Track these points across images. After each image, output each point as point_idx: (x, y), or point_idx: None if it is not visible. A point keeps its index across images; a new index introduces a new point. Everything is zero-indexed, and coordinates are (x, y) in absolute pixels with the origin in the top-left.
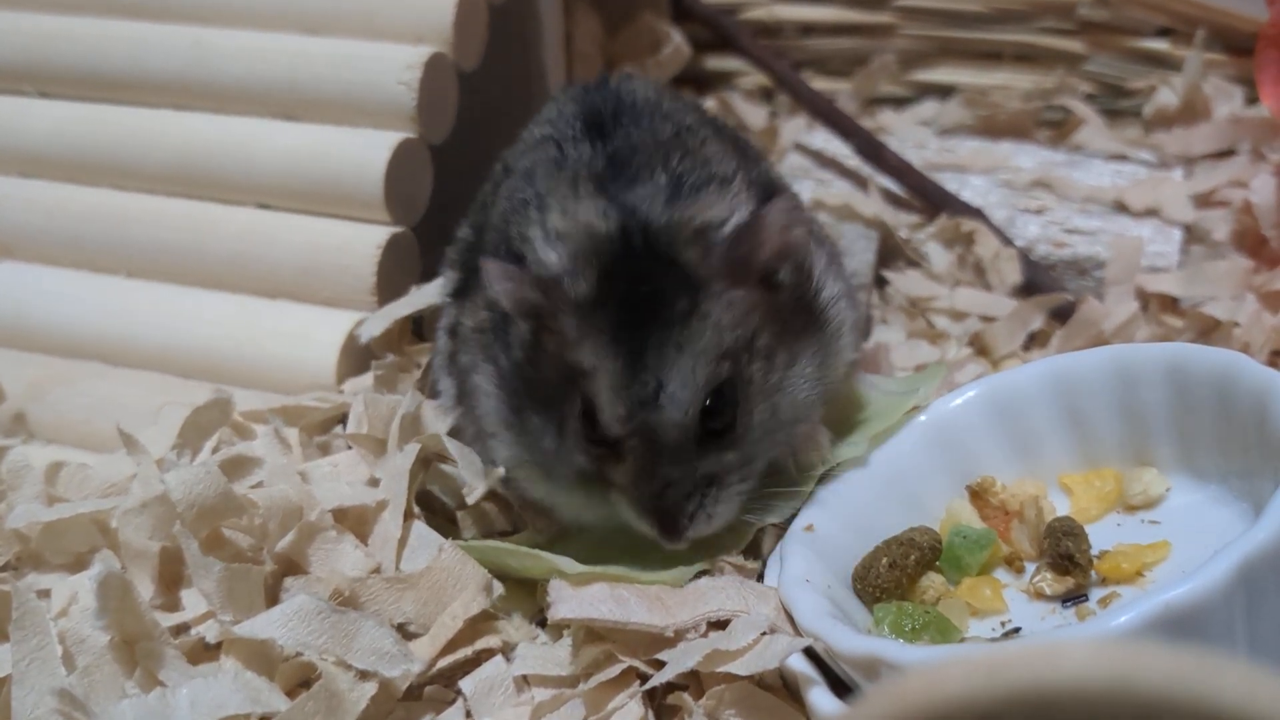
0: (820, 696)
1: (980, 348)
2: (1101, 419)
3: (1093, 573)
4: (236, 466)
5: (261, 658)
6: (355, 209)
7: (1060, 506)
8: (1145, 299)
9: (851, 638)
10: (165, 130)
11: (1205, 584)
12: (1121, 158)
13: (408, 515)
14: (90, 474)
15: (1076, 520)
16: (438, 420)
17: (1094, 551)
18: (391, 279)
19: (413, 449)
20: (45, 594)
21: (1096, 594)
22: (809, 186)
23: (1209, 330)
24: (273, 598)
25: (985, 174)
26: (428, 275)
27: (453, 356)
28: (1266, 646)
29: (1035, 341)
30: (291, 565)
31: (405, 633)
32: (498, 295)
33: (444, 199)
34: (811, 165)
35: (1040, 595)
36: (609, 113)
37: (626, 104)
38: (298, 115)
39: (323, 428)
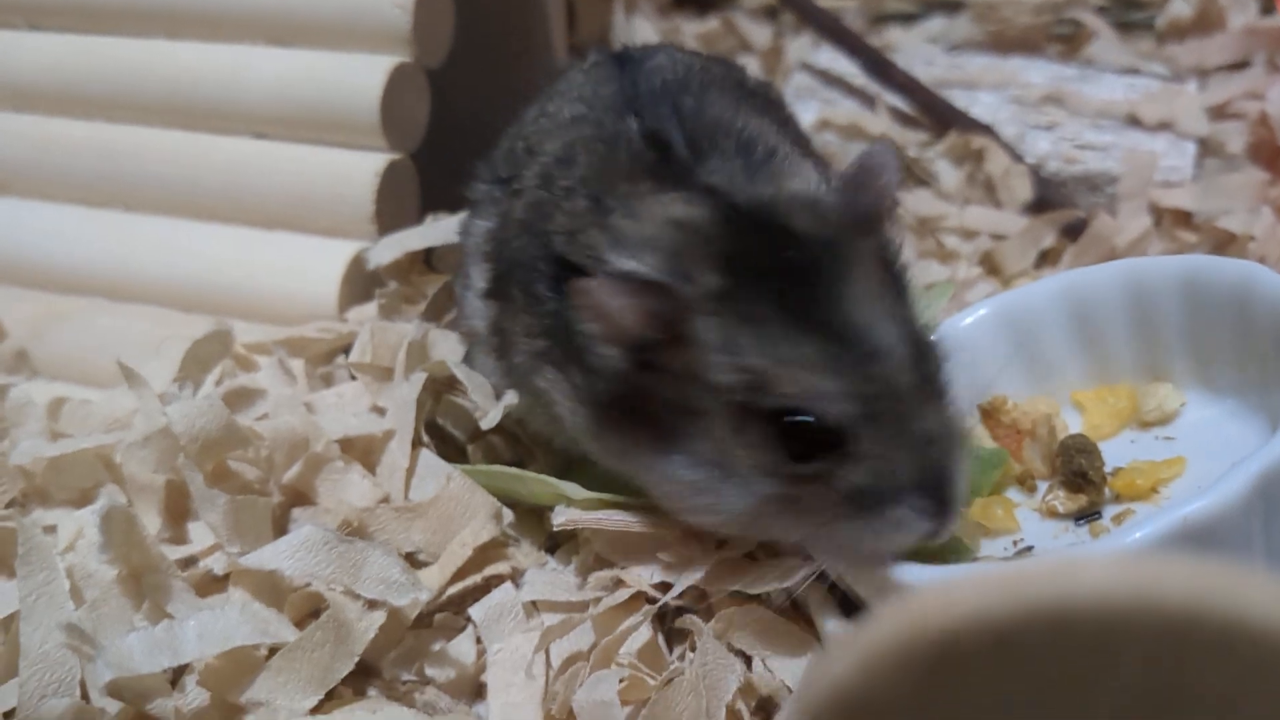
0: (832, 618)
1: (991, 266)
2: (1115, 334)
3: (1107, 490)
4: (240, 398)
5: (270, 589)
6: (351, 136)
7: (1073, 424)
8: (1159, 213)
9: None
10: (156, 60)
11: (1223, 498)
12: (1134, 71)
13: (415, 444)
14: (93, 409)
15: (1090, 437)
16: (444, 348)
17: (1108, 468)
18: (390, 207)
19: (419, 377)
20: (51, 530)
21: (1111, 511)
22: (815, 107)
23: (1224, 244)
24: (280, 529)
25: (995, 90)
26: (428, 202)
27: (500, 352)
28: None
29: (1047, 259)
30: (299, 496)
31: (414, 561)
32: (612, 317)
33: (443, 125)
34: (818, 85)
35: (1053, 513)
36: (645, 91)
37: (658, 80)
38: (290, 40)
39: (326, 358)
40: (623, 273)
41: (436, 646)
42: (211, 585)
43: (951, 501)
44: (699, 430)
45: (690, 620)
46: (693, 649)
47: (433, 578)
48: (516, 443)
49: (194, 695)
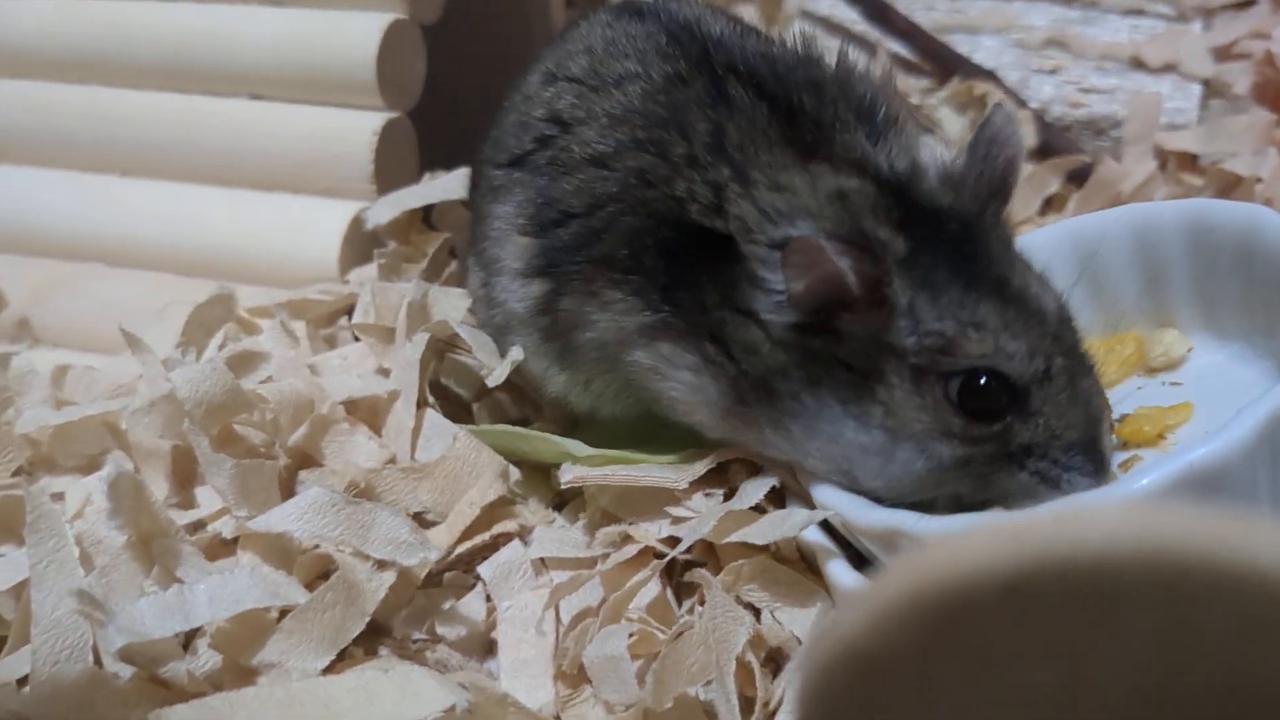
0: (839, 569)
1: None
2: (1121, 281)
3: (1114, 437)
4: (244, 362)
5: (279, 551)
6: (348, 95)
7: None
8: (1164, 157)
9: (868, 510)
10: (150, 22)
11: (1228, 443)
12: (1138, 11)
13: (420, 404)
14: (97, 376)
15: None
16: (446, 305)
17: (1115, 415)
18: (389, 166)
19: (422, 338)
20: (59, 497)
21: (1119, 458)
22: None
23: (1230, 187)
24: (288, 491)
25: (997, 34)
26: (426, 161)
27: (551, 333)
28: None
29: (1051, 205)
30: (305, 458)
31: (423, 521)
32: (836, 275)
33: (440, 81)
34: (818, 33)
35: None
36: (704, 44)
37: (707, 31)
38: (283, 0)
39: (329, 320)
40: (832, 235)
41: (447, 605)
42: (220, 549)
43: (1108, 458)
44: (870, 394)
45: (699, 574)
46: (702, 602)
47: (441, 537)
48: (523, 400)
49: (206, 658)
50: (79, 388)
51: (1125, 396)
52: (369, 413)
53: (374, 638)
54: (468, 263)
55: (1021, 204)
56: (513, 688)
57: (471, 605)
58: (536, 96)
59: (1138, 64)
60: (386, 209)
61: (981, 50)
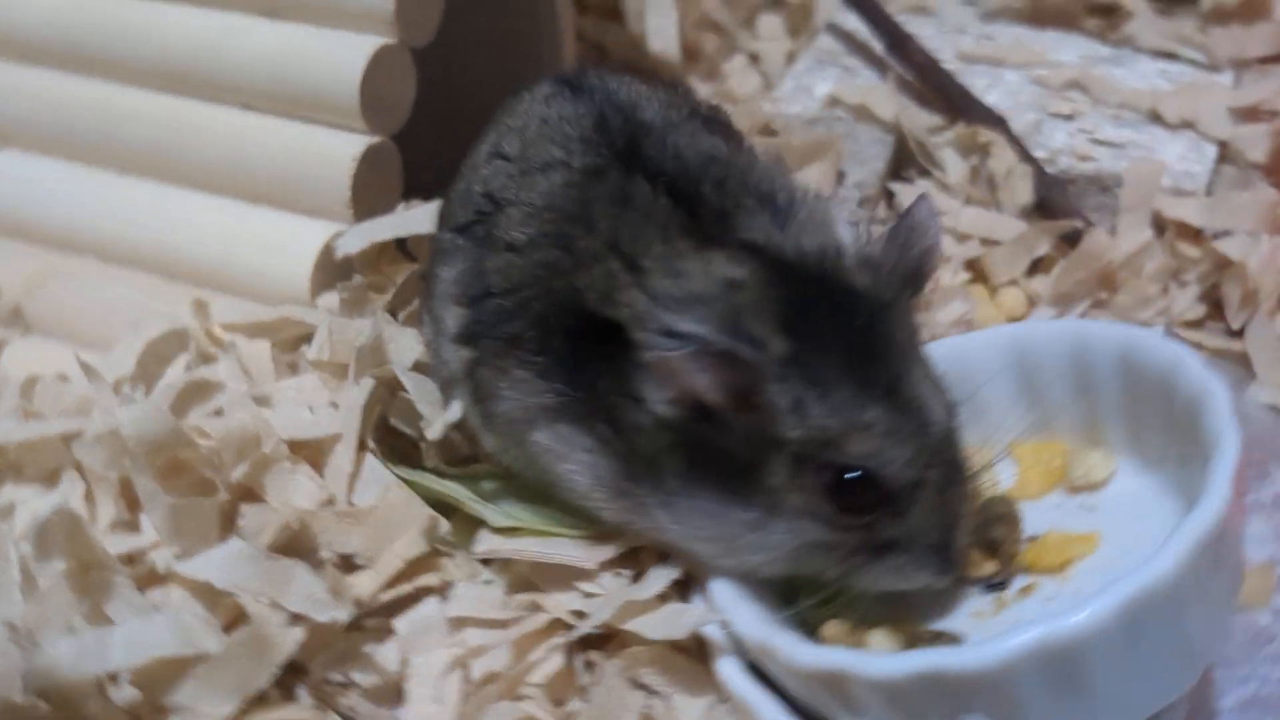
0: (728, 668)
1: (978, 273)
2: (1056, 392)
3: (1017, 561)
4: (198, 392)
5: (206, 591)
6: (332, 115)
7: (1006, 477)
8: (1163, 224)
9: (804, 648)
10: (153, 21)
11: (1081, 623)
12: (1170, 55)
13: (361, 448)
14: (66, 390)
15: (1014, 499)
16: (402, 345)
17: (1027, 533)
18: (370, 191)
19: (368, 383)
20: (7, 512)
21: (1018, 582)
22: (834, 75)
23: (1222, 266)
24: (229, 523)
25: (1021, 69)
26: (411, 188)
27: (477, 398)
28: (1146, 674)
29: (1040, 267)
30: (248, 493)
31: (352, 565)
32: (695, 390)
33: (432, 103)
34: (841, 50)
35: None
36: (630, 132)
37: (637, 118)
38: (279, 13)
39: (295, 344)
40: (684, 341)
41: (365, 650)
42: (156, 580)
43: (958, 560)
44: (752, 474)
45: (595, 656)
46: None
47: (367, 584)
48: (475, 439)
49: (126, 692)
50: (49, 399)
51: (1041, 514)
52: (313, 451)
53: (293, 676)
54: (421, 313)
55: (1007, 265)
56: None
57: (388, 654)
58: (480, 169)
59: (1156, 117)
60: (356, 239)
61: (1001, 85)
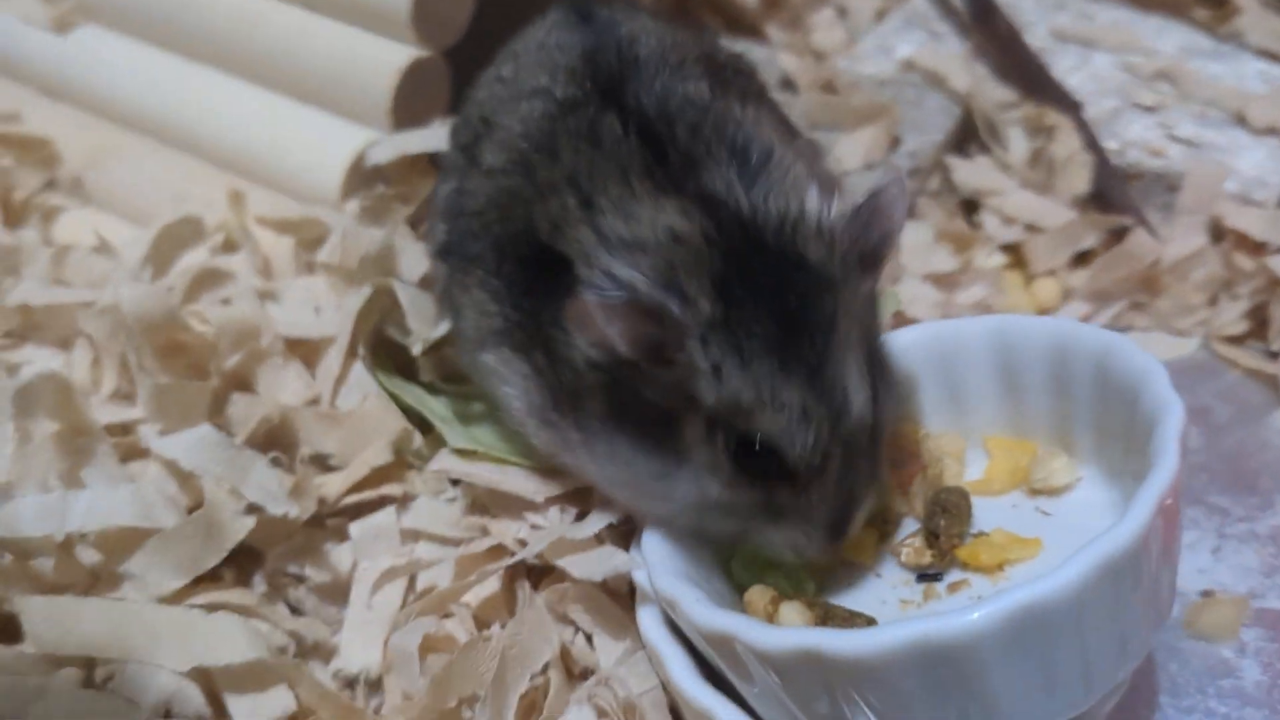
0: (646, 619)
1: (1017, 259)
2: (1035, 390)
3: (954, 555)
4: (210, 279)
5: (179, 469)
6: (385, 24)
7: (974, 469)
8: (1222, 232)
9: (702, 607)
10: None
11: (966, 625)
12: (1275, 57)
13: (351, 354)
14: (95, 262)
15: (968, 493)
16: (411, 258)
17: (975, 529)
18: (412, 103)
19: (365, 292)
20: (16, 369)
21: (950, 577)
22: (918, 39)
23: (1272, 286)
24: (219, 407)
25: (1113, 53)
26: (460, 104)
27: (446, 311)
28: (1039, 687)
29: (1082, 261)
30: (241, 382)
31: (326, 465)
32: (606, 338)
33: (492, 26)
34: (933, 14)
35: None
36: (619, 68)
37: (632, 55)
38: None
39: (317, 245)
40: (619, 287)
41: (322, 549)
42: (138, 453)
43: (841, 540)
44: (667, 426)
45: (522, 585)
46: None
47: (334, 485)
48: None
49: (85, 555)
50: (79, 269)
51: (996, 512)
52: (309, 351)
53: (252, 563)
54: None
55: (1048, 255)
56: (348, 642)
57: (342, 555)
58: (481, 92)
59: (1241, 120)
60: (387, 148)
61: (1088, 68)
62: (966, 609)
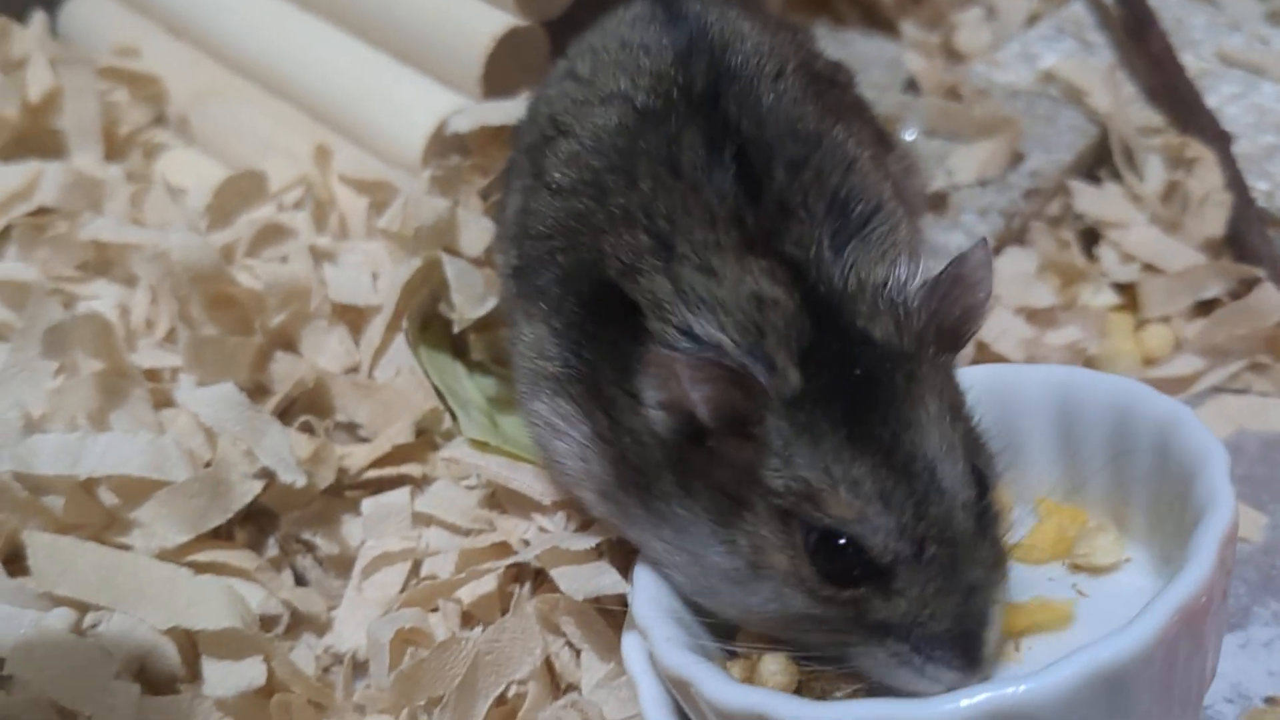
0: (630, 647)
1: (1130, 301)
2: (1094, 454)
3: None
4: (269, 235)
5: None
6: None
7: (1020, 531)
8: None
9: (669, 647)
10: None
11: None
12: None
13: (394, 326)
14: (167, 206)
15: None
16: (473, 232)
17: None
18: (506, 72)
19: (414, 263)
20: (73, 301)
21: None
22: (1067, 48)
23: None
24: (261, 363)
25: None
26: None
27: (513, 330)
28: None
29: (1203, 312)
30: (286, 341)
31: (355, 435)
32: (686, 399)
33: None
34: (1090, 22)
35: None
36: (711, 77)
37: (728, 64)
38: None
39: (386, 209)
40: (705, 349)
41: (338, 519)
42: (170, 401)
43: (982, 659)
44: (739, 520)
45: (516, 590)
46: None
47: (359, 457)
48: None
49: (105, 496)
50: (156, 209)
51: (1028, 583)
52: (356, 317)
53: (269, 523)
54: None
55: (1164, 300)
56: (343, 620)
57: (354, 529)
58: (551, 89)
59: None
60: (469, 118)
61: (1251, 97)
62: (933, 702)
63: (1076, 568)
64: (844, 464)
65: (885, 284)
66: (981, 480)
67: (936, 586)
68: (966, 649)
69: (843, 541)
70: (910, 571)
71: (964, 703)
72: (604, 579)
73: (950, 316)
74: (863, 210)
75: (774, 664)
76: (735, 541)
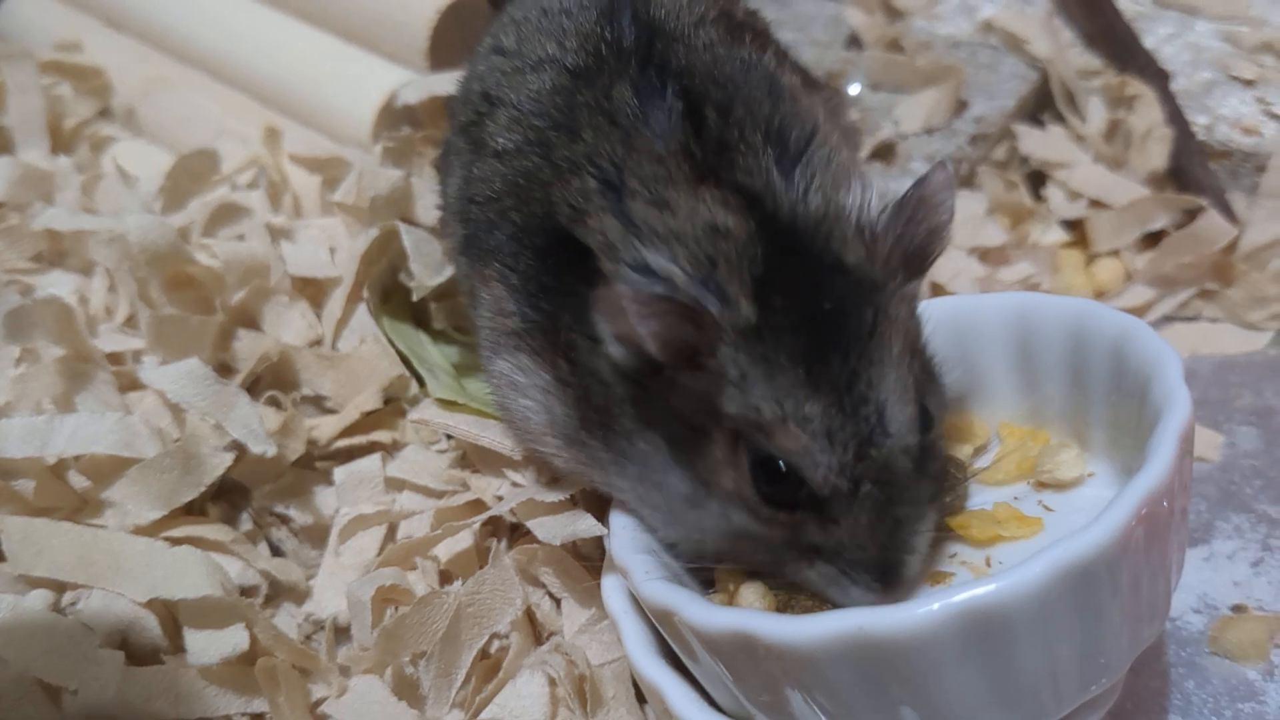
0: (610, 588)
1: (1080, 237)
2: (1052, 375)
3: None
4: (228, 213)
5: (169, 400)
6: None
7: (985, 455)
8: None
9: (649, 581)
10: None
11: (910, 619)
12: None
13: (355, 297)
14: (120, 193)
15: (966, 473)
16: (428, 202)
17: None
18: (452, 45)
19: (371, 233)
20: (30, 290)
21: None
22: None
23: None
24: (225, 342)
25: (1217, 21)
26: None
27: (473, 303)
28: (991, 695)
29: (1151, 244)
30: (247, 318)
31: (322, 406)
32: (635, 335)
33: None
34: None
35: None
36: (639, 28)
37: (652, 14)
38: None
39: (339, 184)
40: (653, 280)
41: (309, 490)
42: (137, 384)
43: (902, 582)
44: (696, 446)
45: (493, 544)
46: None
47: (327, 427)
48: None
49: (77, 478)
50: (107, 198)
51: (996, 498)
52: (316, 291)
53: (242, 499)
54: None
55: (1111, 234)
56: (321, 588)
57: (327, 499)
58: (480, 65)
59: None
60: (418, 89)
61: (1187, 35)
62: (911, 604)
63: (1041, 485)
64: (797, 400)
65: (851, 207)
66: (927, 419)
67: (868, 519)
68: (886, 574)
69: (784, 468)
70: (846, 504)
71: (937, 605)
72: (580, 524)
73: (916, 238)
74: (799, 135)
75: (751, 593)
76: (692, 465)
